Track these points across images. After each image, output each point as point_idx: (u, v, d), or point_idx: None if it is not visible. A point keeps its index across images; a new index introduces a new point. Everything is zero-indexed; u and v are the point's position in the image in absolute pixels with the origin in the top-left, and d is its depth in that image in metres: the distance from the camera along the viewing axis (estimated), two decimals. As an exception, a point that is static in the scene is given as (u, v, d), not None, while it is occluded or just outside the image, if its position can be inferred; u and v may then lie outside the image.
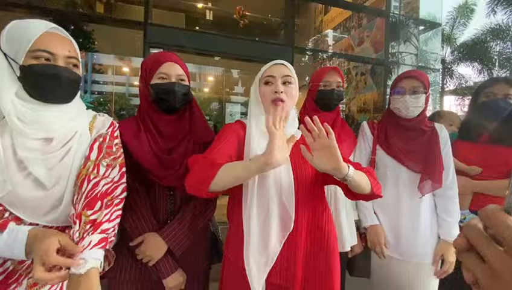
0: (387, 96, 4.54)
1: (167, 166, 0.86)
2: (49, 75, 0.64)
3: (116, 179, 0.73)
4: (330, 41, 6.82)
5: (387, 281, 1.15)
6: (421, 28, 5.29)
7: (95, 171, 0.70)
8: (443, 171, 1.09)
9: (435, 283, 1.11)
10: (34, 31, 0.63)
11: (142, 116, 0.91)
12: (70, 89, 0.70)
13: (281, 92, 0.84)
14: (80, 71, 0.73)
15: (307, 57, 7.29)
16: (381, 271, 1.18)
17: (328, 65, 6.49)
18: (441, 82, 10.16)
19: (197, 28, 8.03)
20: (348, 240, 1.12)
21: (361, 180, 0.74)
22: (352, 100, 6.20)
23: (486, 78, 9.06)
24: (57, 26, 0.67)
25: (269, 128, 0.67)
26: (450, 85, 10.05)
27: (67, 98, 0.70)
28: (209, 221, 1.01)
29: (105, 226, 0.66)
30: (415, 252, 1.10)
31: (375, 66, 5.22)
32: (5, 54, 0.62)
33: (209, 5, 7.65)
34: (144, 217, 0.85)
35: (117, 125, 0.83)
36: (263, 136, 0.82)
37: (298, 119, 1.19)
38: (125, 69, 7.75)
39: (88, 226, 0.64)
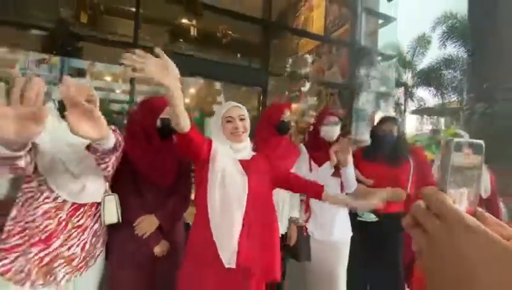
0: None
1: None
2: None
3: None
4: (306, 62, 7.42)
5: (323, 258, 1.58)
6: (379, 58, 6.04)
7: None
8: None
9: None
10: None
11: None
12: None
13: (241, 131, 1.17)
14: None
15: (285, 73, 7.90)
16: (316, 250, 1.59)
17: (302, 85, 7.17)
18: (403, 104, 11.26)
19: (181, 40, 8.40)
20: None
21: None
22: (323, 117, 6.79)
23: (439, 102, 10.24)
24: None
25: None
26: (411, 106, 11.15)
27: None
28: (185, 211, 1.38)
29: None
30: (335, 234, 1.56)
31: (349, 86, 5.85)
32: None
33: (194, 22, 8.07)
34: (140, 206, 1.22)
35: None
36: (225, 155, 1.15)
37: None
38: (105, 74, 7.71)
39: None
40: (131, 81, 3.22)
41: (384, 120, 1.77)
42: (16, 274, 0.89)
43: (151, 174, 1.21)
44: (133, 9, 5.11)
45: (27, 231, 0.92)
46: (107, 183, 1.11)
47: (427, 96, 10.42)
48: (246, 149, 1.23)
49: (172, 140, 1.29)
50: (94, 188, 1.04)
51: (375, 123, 1.79)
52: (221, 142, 1.17)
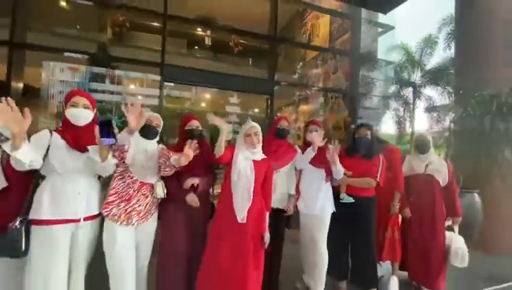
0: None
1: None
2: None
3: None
4: (316, 64, 7.88)
5: (308, 228, 2.16)
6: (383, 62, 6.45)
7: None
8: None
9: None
10: None
11: None
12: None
13: (256, 142, 1.77)
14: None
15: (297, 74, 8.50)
16: (303, 222, 2.18)
17: (309, 89, 7.71)
18: (412, 103, 11.45)
19: (196, 47, 9.13)
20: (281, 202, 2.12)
21: None
22: (329, 119, 7.29)
23: (446, 101, 10.36)
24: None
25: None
26: (420, 105, 11.35)
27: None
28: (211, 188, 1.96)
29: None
30: (317, 209, 2.10)
31: (348, 92, 6.31)
32: None
33: (208, 32, 8.78)
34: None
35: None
36: (244, 158, 1.76)
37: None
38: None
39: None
40: (161, 87, 3.91)
41: (360, 126, 2.29)
42: (113, 217, 1.52)
43: (188, 166, 1.81)
44: (155, 24, 5.84)
45: (118, 194, 1.56)
46: (159, 173, 1.72)
47: (435, 95, 10.55)
48: (258, 153, 1.85)
49: (202, 145, 1.88)
50: (153, 174, 1.67)
51: (354, 127, 2.32)
52: (242, 149, 1.81)
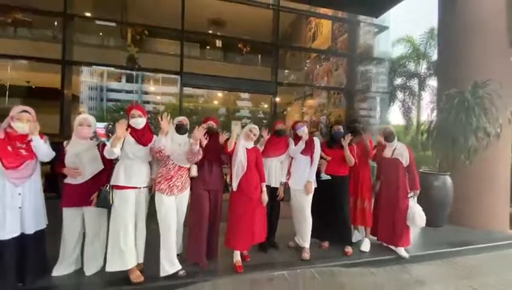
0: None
1: None
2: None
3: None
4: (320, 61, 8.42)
5: (297, 199, 2.85)
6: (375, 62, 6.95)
7: None
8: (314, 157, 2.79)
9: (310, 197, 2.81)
10: None
11: None
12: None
13: (251, 136, 2.56)
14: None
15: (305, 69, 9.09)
16: (293, 195, 2.89)
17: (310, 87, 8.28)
18: (418, 93, 11.73)
19: (208, 47, 9.88)
20: (276, 182, 2.85)
21: None
22: (331, 113, 7.87)
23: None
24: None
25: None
26: (426, 96, 11.61)
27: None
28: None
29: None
30: (303, 185, 2.77)
31: (345, 89, 6.87)
32: None
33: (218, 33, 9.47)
34: None
35: None
36: (241, 146, 2.51)
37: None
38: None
39: None
40: (181, 91, 4.71)
41: (335, 123, 2.99)
42: (161, 190, 2.27)
43: (207, 156, 2.55)
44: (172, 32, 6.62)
45: (163, 175, 2.32)
46: None
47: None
48: (251, 144, 2.62)
49: (217, 140, 2.61)
50: (185, 160, 2.43)
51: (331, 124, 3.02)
52: (242, 140, 2.58)
